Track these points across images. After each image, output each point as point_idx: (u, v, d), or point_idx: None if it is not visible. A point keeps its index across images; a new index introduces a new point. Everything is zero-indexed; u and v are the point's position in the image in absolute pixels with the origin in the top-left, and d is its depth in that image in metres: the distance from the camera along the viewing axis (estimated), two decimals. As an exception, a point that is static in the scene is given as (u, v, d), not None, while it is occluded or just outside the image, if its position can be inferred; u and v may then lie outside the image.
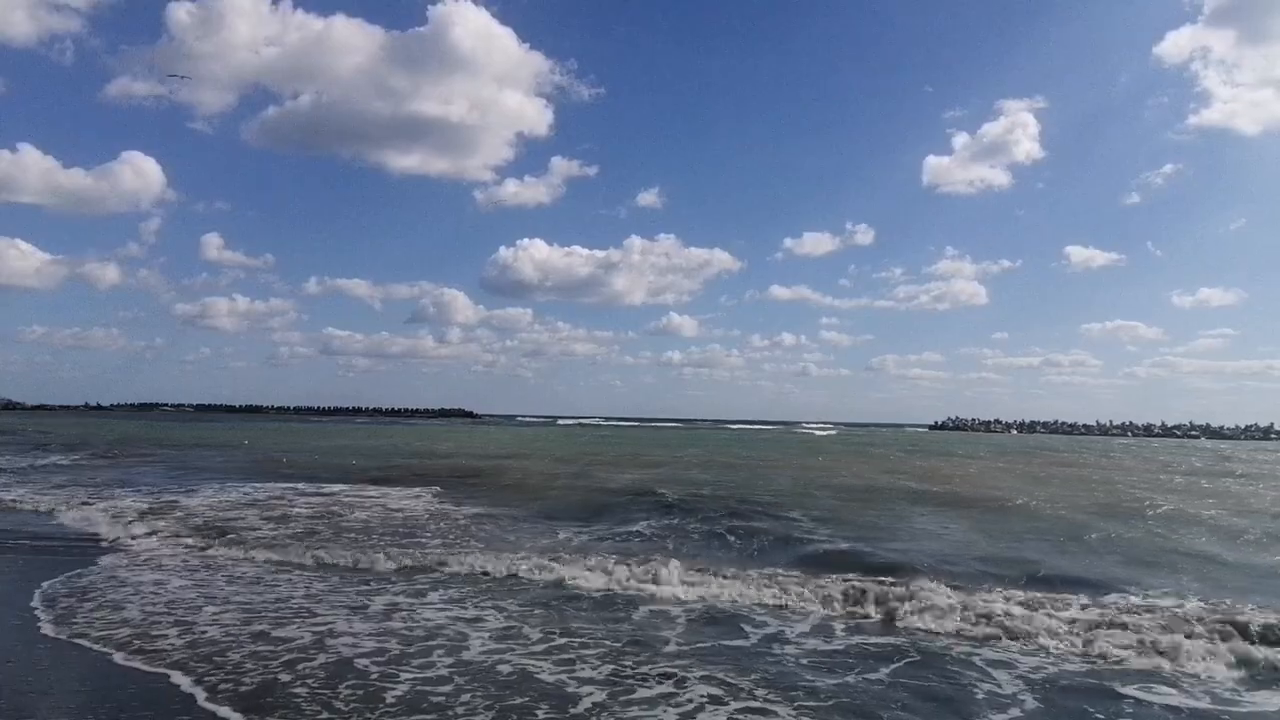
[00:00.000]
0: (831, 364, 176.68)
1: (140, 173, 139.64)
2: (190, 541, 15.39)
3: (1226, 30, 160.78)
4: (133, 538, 15.83)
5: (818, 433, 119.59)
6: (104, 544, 15.19)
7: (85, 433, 63.86)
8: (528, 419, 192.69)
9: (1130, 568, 14.05)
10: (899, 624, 10.25)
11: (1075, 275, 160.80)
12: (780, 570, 13.19)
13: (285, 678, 7.81)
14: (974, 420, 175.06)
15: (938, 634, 9.80)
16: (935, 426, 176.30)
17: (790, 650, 9.04)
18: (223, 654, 8.48)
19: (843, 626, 10.18)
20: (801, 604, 11.12)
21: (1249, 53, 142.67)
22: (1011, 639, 9.52)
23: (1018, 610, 10.35)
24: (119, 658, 8.39)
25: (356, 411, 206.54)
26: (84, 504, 20.51)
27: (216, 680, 7.71)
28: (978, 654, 8.97)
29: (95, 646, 8.74)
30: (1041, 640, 9.41)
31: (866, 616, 10.63)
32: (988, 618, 10.10)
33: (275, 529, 17.04)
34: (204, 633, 9.26)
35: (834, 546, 15.45)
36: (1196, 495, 27.02)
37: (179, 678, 7.79)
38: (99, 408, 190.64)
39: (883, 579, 12.10)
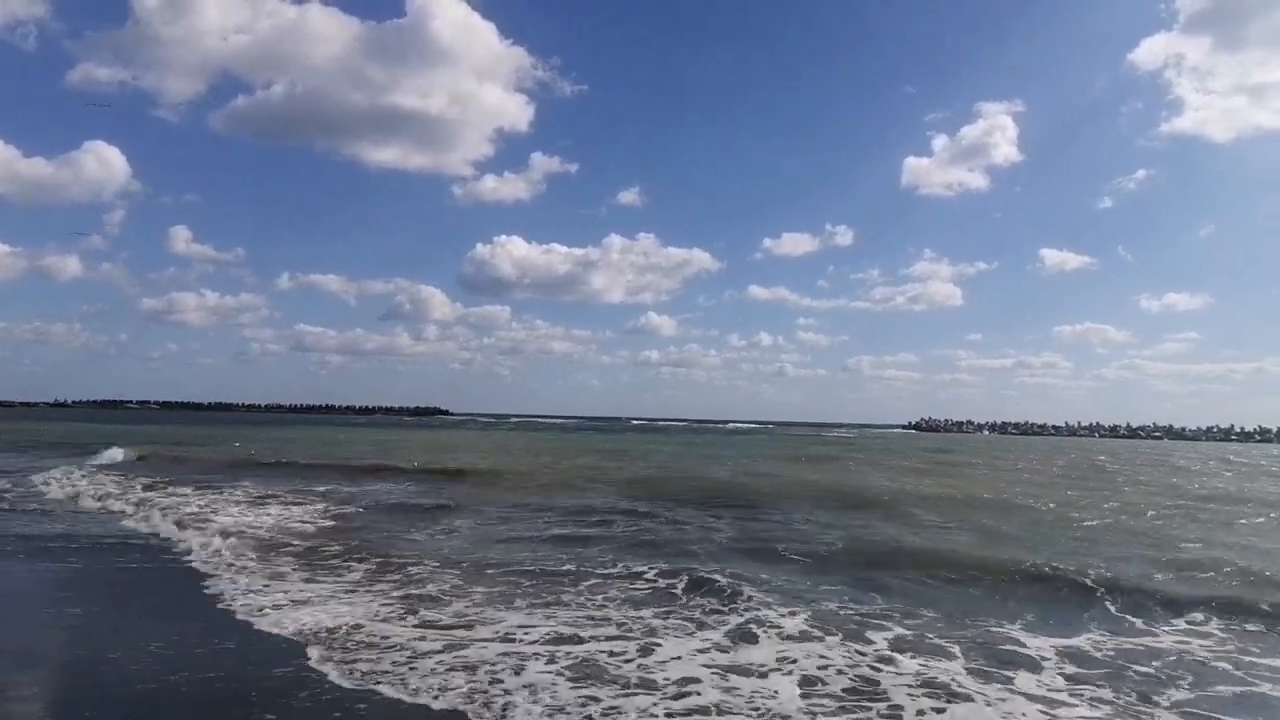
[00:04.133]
0: (808, 364, 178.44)
1: (104, 162, 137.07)
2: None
3: (1202, 37, 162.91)
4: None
5: (805, 430, 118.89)
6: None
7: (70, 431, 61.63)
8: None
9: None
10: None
11: (1049, 278, 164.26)
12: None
13: None
14: (947, 421, 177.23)
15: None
16: (909, 427, 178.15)
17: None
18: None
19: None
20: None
21: (1224, 59, 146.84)
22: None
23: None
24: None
25: (329, 409, 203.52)
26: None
27: None
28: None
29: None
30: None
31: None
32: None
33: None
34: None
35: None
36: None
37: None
38: (61, 404, 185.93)
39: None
